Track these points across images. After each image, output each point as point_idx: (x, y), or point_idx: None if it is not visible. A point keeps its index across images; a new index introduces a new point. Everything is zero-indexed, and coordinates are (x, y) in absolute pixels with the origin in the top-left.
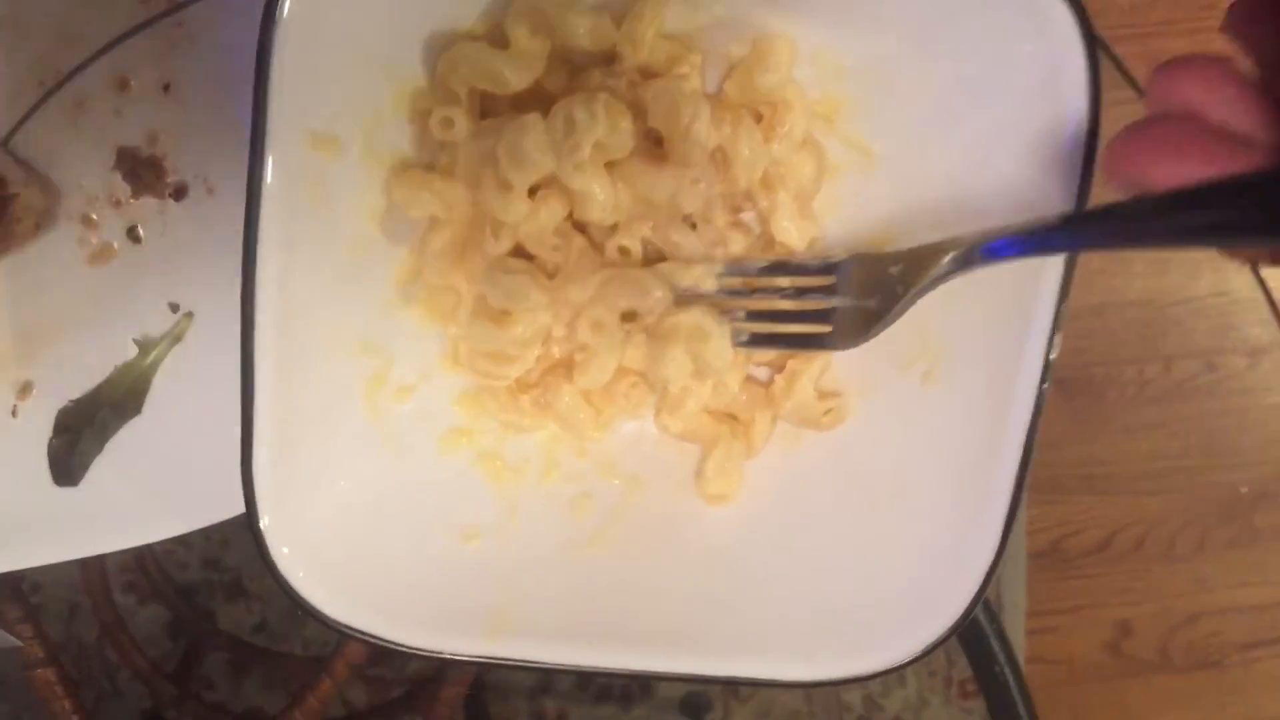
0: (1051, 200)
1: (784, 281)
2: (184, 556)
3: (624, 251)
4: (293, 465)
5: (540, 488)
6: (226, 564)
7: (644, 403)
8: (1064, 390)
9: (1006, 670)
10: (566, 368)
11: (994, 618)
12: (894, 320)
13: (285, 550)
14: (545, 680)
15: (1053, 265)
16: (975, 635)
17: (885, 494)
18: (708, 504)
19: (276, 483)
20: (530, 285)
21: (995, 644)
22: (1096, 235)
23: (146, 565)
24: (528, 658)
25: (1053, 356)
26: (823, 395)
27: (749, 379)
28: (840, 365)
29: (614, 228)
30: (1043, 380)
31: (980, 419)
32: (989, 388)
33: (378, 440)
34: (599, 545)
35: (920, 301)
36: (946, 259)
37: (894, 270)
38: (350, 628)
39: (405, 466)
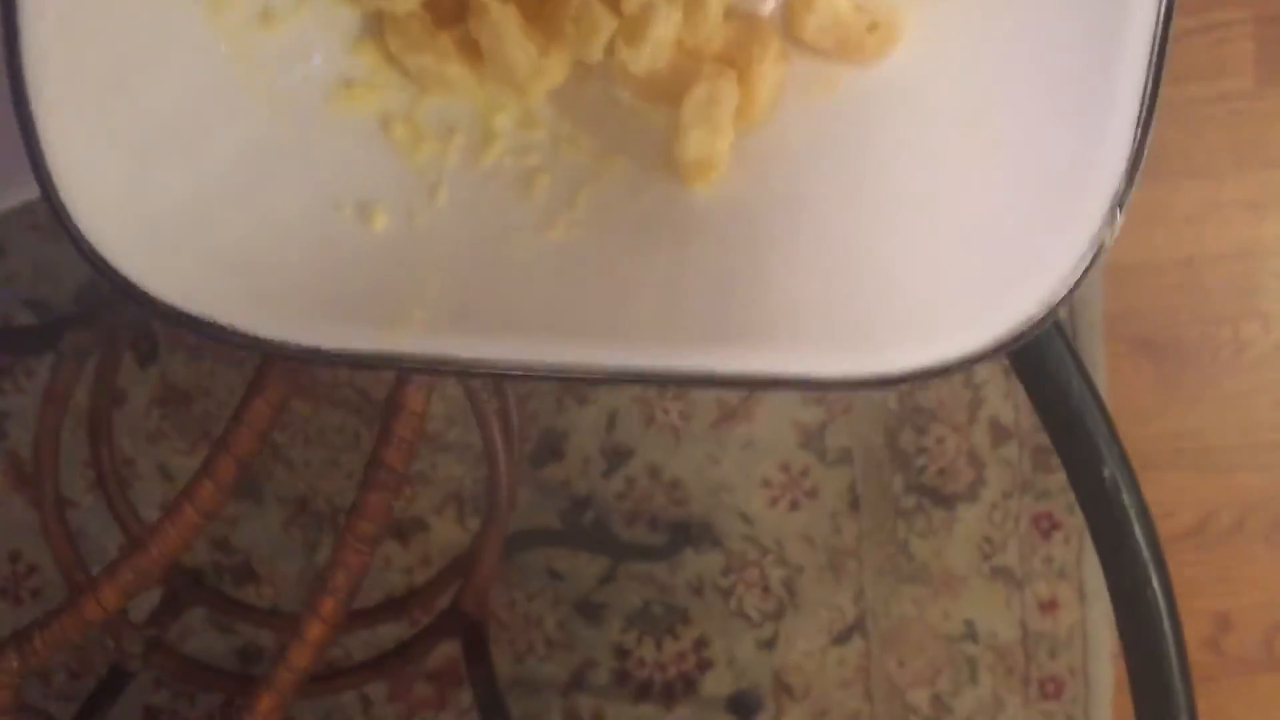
0: None
1: None
2: None
3: None
4: (99, 103)
5: (474, 164)
6: (236, 545)
7: (600, 29)
8: (1150, 354)
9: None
10: None
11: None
12: None
13: (90, 212)
14: (578, 675)
15: None
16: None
17: (957, 127)
18: (684, 179)
19: (79, 132)
20: None
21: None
22: None
23: None
24: (447, 353)
25: None
26: (861, 8)
27: (743, 11)
28: None
29: None
30: None
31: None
32: None
33: (234, 83)
34: (557, 228)
35: None
36: None
37: None
38: (185, 313)
39: (276, 124)
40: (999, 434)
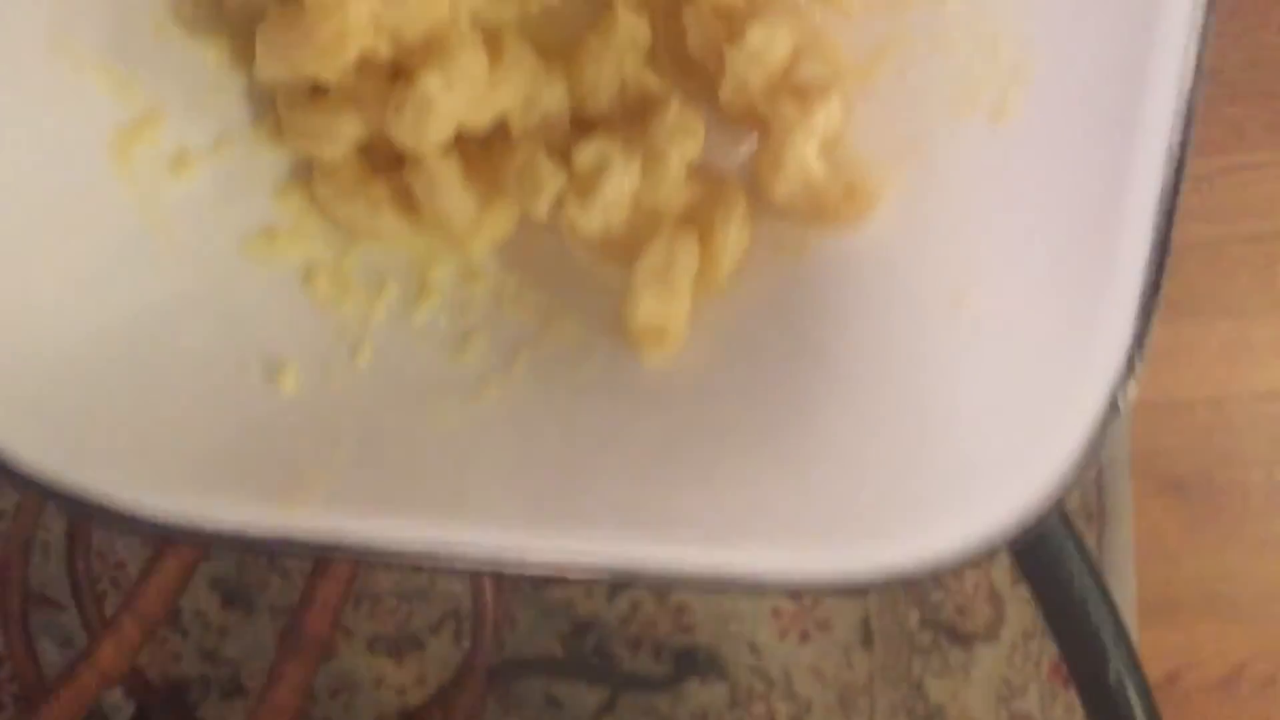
0: None
1: None
2: (177, 645)
3: None
4: None
5: (405, 321)
6: (225, 656)
7: (547, 185)
8: (1181, 495)
9: None
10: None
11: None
12: None
13: None
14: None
15: None
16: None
17: (939, 304)
18: (637, 344)
19: None
20: None
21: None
22: None
23: None
24: (346, 538)
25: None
26: (836, 171)
27: (708, 167)
28: (864, 129)
29: None
30: (1197, 73)
31: (1088, 158)
32: (1099, 107)
33: (139, 228)
34: (487, 397)
35: None
36: None
37: None
38: (55, 485)
39: (184, 275)
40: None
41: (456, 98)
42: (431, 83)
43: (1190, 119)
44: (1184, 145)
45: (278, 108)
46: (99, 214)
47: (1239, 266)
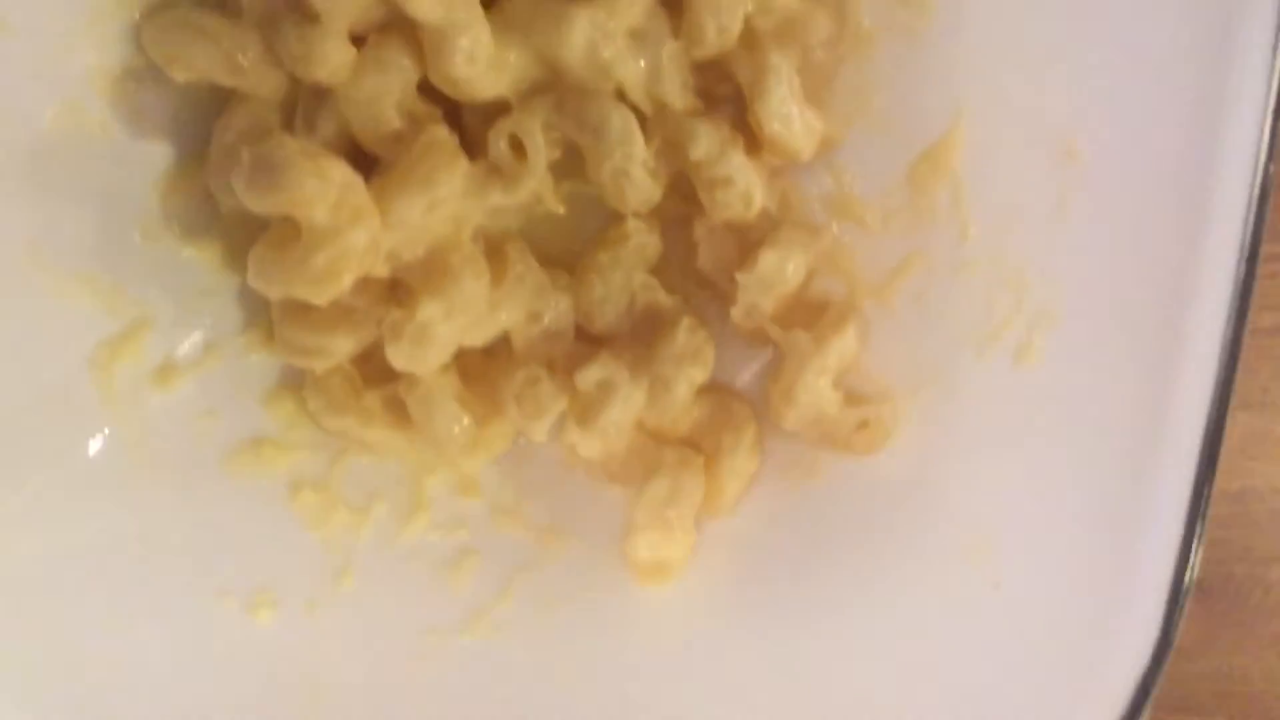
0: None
1: None
2: None
3: (516, 149)
4: None
5: (395, 540)
6: None
7: (548, 410)
8: (1198, 590)
9: None
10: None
11: None
12: None
13: None
14: None
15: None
16: None
17: (959, 553)
18: (637, 579)
19: None
20: (302, 166)
21: None
22: None
23: None
24: None
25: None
26: (853, 399)
27: (718, 386)
28: (881, 353)
29: (502, 112)
30: (1235, 342)
31: (1123, 422)
32: (1135, 363)
33: (115, 445)
34: (479, 629)
35: (1018, 220)
36: None
37: None
38: None
39: (161, 493)
40: None
41: (456, 324)
42: (431, 311)
43: (1232, 369)
44: (1223, 401)
45: (271, 315)
46: (74, 429)
47: (1261, 360)
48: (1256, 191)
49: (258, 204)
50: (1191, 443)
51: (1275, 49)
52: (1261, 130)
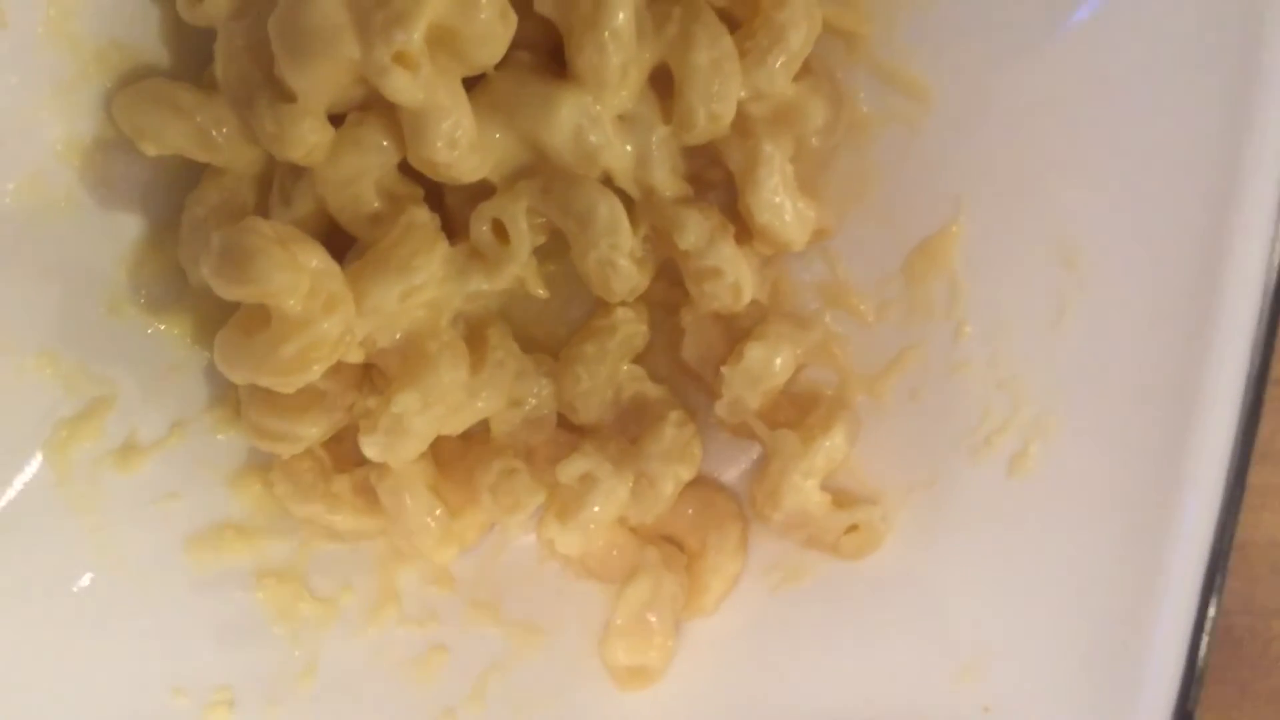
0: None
1: None
2: None
3: (499, 233)
4: None
5: (363, 633)
6: None
7: (525, 504)
8: None
9: None
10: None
11: None
12: None
13: None
14: None
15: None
16: None
17: (949, 670)
18: (616, 683)
19: None
20: (272, 256)
21: None
22: None
23: None
24: None
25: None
26: (841, 500)
27: (704, 481)
28: (872, 451)
29: (485, 194)
30: (1244, 459)
31: (1120, 540)
32: (1133, 479)
33: (69, 530)
34: None
35: (1015, 324)
36: None
37: None
38: None
39: (119, 582)
40: None
41: (433, 415)
42: (407, 402)
43: (1239, 495)
44: (1227, 527)
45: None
46: (27, 513)
47: (1268, 411)
48: (1266, 309)
49: (226, 292)
50: (1192, 570)
51: None
52: (1271, 249)
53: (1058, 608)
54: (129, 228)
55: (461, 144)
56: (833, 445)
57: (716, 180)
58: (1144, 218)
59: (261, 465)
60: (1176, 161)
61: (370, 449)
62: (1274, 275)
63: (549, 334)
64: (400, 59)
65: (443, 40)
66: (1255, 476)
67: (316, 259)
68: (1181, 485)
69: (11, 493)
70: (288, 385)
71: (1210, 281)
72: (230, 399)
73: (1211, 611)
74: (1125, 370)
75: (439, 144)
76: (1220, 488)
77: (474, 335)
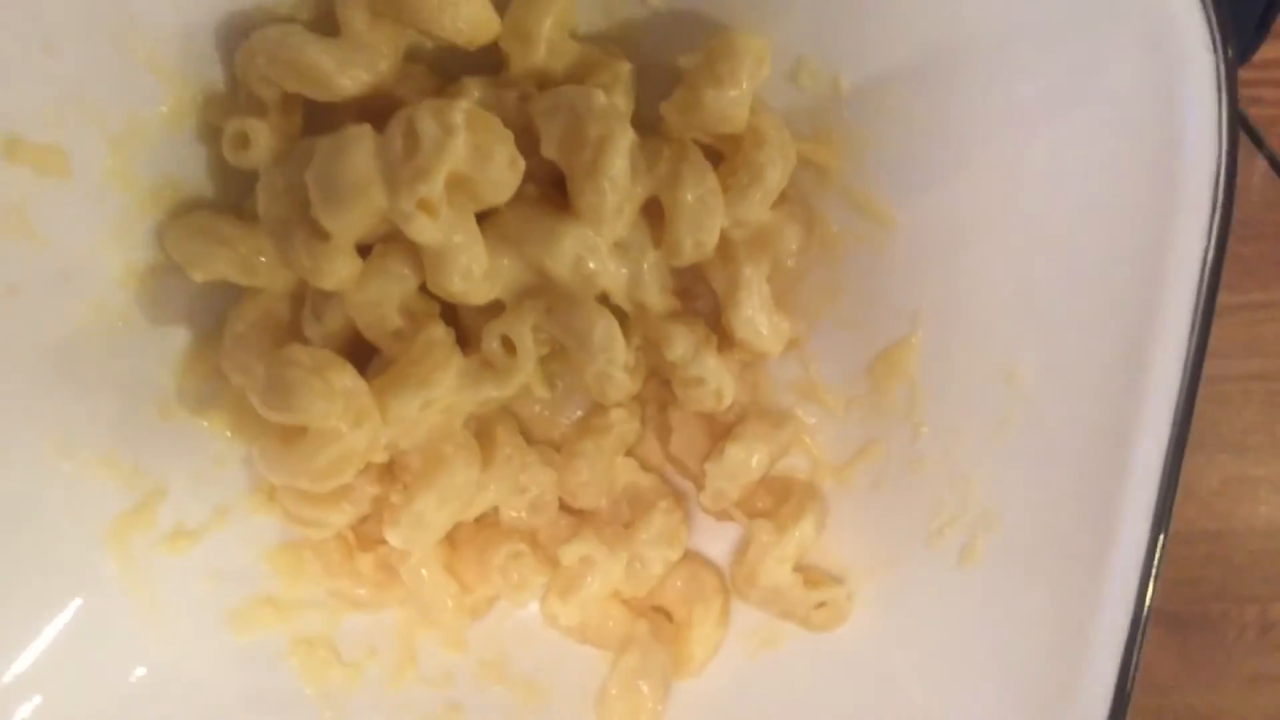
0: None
1: None
2: None
3: (508, 347)
4: None
5: (386, 694)
6: None
7: (531, 583)
8: (1174, 626)
9: None
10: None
11: None
12: None
13: None
14: None
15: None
16: None
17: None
18: None
19: None
20: (312, 387)
21: None
22: None
23: None
24: None
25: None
26: (811, 579)
27: (692, 556)
28: (839, 533)
29: (495, 311)
30: (1152, 556)
31: (1053, 622)
32: (1065, 571)
33: (126, 608)
34: None
35: (965, 430)
36: None
37: None
38: None
39: (168, 653)
40: None
41: (450, 510)
42: (427, 501)
43: (1149, 578)
44: (1142, 605)
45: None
46: (85, 589)
47: (1245, 403)
48: (1179, 417)
49: (272, 416)
50: (1115, 643)
51: (1198, 301)
52: (1183, 371)
53: (999, 680)
54: (176, 340)
55: (475, 276)
56: (803, 534)
57: (702, 293)
58: (1073, 339)
59: (293, 544)
60: (1099, 289)
61: (394, 539)
62: (1187, 383)
63: (549, 426)
64: (422, 205)
65: (459, 184)
66: (1232, 468)
67: (348, 379)
68: (1105, 576)
69: (79, 582)
70: (323, 488)
71: (1133, 399)
72: (265, 485)
73: (1131, 675)
74: (1059, 474)
75: (456, 277)
76: (1137, 573)
77: (484, 433)
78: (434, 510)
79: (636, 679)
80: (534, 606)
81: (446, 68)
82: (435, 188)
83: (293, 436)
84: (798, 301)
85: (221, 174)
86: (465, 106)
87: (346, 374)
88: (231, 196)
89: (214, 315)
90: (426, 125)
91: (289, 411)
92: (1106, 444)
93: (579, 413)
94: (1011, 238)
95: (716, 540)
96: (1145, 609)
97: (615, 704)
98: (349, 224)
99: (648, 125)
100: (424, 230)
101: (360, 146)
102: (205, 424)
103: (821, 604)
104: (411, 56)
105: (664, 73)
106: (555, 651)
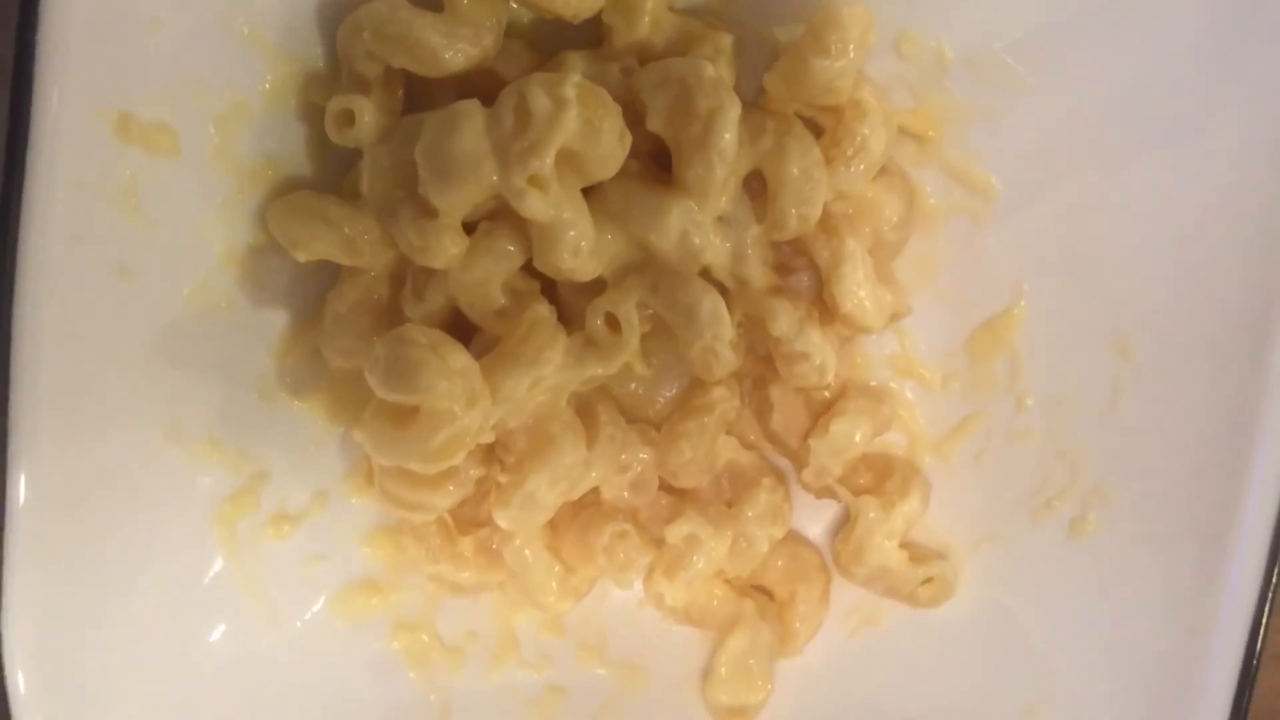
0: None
1: None
2: None
3: (611, 325)
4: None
5: (489, 677)
6: None
7: (636, 562)
8: None
9: None
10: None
11: None
12: None
13: None
14: None
15: None
16: None
17: (1013, 711)
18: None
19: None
20: (432, 366)
21: None
22: None
23: None
24: None
25: None
26: (917, 555)
27: (792, 536)
28: (940, 508)
29: (597, 287)
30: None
31: (1174, 599)
32: (1186, 547)
33: (235, 593)
34: None
35: (1073, 402)
36: None
37: None
38: None
39: (275, 637)
40: None
41: (559, 489)
42: (538, 481)
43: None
44: (1269, 584)
45: (371, 463)
46: (195, 575)
47: None
48: None
49: (390, 396)
50: (1240, 624)
51: None
52: None
53: (1114, 660)
54: (277, 322)
55: (584, 252)
56: (910, 510)
57: (802, 267)
58: (1192, 311)
59: (393, 528)
60: (1221, 263)
61: (504, 520)
62: None
63: (645, 404)
64: (534, 181)
65: (568, 160)
66: None
67: (463, 359)
68: (1228, 552)
69: (193, 568)
70: (435, 469)
71: (1256, 369)
72: (362, 468)
73: (1255, 661)
74: (1177, 450)
75: (565, 253)
76: (1261, 571)
77: (585, 412)
78: (545, 490)
79: (746, 658)
80: (631, 588)
81: (544, 42)
82: (547, 163)
83: (404, 418)
84: (896, 277)
85: (320, 153)
86: (577, 80)
87: (460, 354)
88: (330, 176)
89: (311, 297)
90: (538, 100)
91: (410, 391)
92: (1229, 421)
93: (673, 390)
94: (1129, 208)
95: (815, 521)
96: (1271, 588)
97: (725, 684)
98: (458, 201)
99: (746, 98)
100: (535, 206)
101: (471, 122)
102: (303, 407)
103: (928, 580)
104: (509, 32)
105: (760, 45)
106: (653, 633)
